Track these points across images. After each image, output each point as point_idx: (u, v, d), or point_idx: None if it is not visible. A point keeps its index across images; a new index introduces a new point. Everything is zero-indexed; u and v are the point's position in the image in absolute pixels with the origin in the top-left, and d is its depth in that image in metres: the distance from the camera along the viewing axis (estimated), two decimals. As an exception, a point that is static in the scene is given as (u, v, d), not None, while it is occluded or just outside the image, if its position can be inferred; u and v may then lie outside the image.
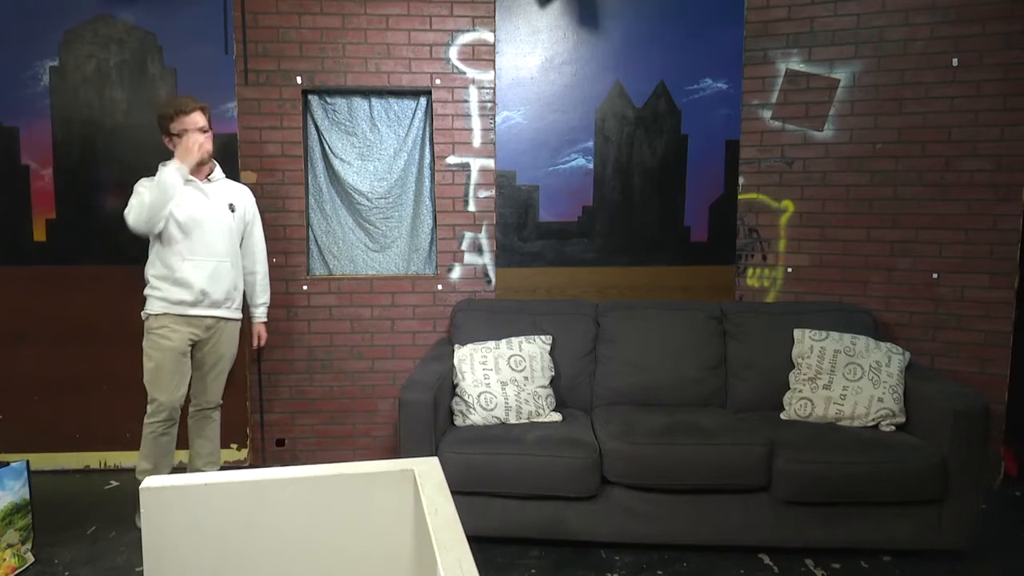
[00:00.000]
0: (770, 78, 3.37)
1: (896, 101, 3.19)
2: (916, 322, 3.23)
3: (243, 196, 2.98)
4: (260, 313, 3.12)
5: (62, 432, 3.41)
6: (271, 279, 3.40)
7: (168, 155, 2.77)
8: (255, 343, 3.14)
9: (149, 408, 2.78)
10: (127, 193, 2.73)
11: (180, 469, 3.26)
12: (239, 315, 2.96)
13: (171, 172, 2.67)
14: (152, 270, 2.78)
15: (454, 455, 2.57)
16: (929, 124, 3.16)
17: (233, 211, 2.89)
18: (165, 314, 2.76)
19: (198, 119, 2.77)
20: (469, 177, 3.46)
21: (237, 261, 2.92)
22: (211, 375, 2.91)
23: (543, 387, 2.94)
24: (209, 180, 2.85)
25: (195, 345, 2.85)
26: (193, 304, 2.78)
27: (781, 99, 3.37)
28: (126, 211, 2.68)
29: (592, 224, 3.51)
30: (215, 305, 2.83)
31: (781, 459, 2.51)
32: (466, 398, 2.84)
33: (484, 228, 3.48)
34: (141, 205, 2.65)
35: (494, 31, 3.38)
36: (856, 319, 3.07)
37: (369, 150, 3.49)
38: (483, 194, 3.47)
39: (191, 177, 2.78)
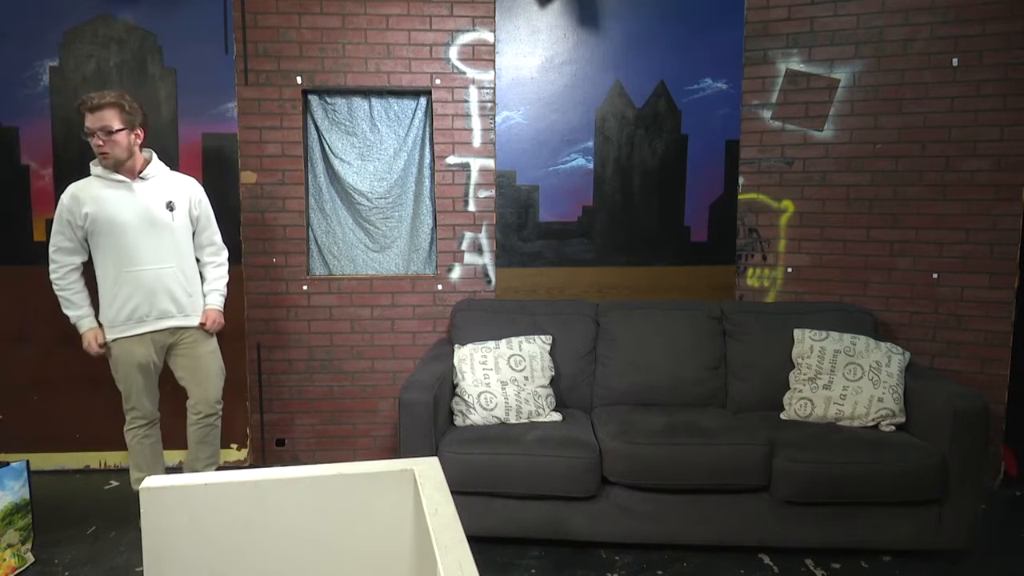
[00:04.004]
0: (770, 78, 3.37)
1: (896, 101, 3.19)
2: (916, 322, 3.23)
3: (187, 190, 2.69)
4: (210, 300, 2.77)
5: (62, 432, 3.41)
6: (270, 279, 3.41)
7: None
8: (202, 320, 2.74)
9: (127, 416, 2.74)
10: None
11: (177, 469, 3.26)
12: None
13: (68, 313, 2.58)
14: (100, 290, 2.60)
15: (454, 455, 2.57)
16: (929, 124, 3.16)
17: (172, 209, 2.59)
18: (116, 340, 2.59)
19: (104, 118, 2.41)
20: (469, 177, 3.45)
21: (185, 263, 2.67)
22: (199, 375, 2.76)
23: (543, 387, 2.94)
24: (142, 178, 2.56)
25: (168, 350, 2.70)
26: (139, 321, 2.57)
27: (781, 99, 3.37)
28: (50, 262, 2.59)
29: (592, 224, 3.50)
30: (165, 316, 2.61)
31: (781, 459, 2.51)
32: (466, 398, 2.84)
33: (484, 228, 3.48)
34: (54, 280, 2.58)
35: (494, 31, 3.38)
36: (856, 319, 3.07)
37: (369, 150, 3.49)
38: (483, 194, 3.46)
39: (121, 177, 2.53)
